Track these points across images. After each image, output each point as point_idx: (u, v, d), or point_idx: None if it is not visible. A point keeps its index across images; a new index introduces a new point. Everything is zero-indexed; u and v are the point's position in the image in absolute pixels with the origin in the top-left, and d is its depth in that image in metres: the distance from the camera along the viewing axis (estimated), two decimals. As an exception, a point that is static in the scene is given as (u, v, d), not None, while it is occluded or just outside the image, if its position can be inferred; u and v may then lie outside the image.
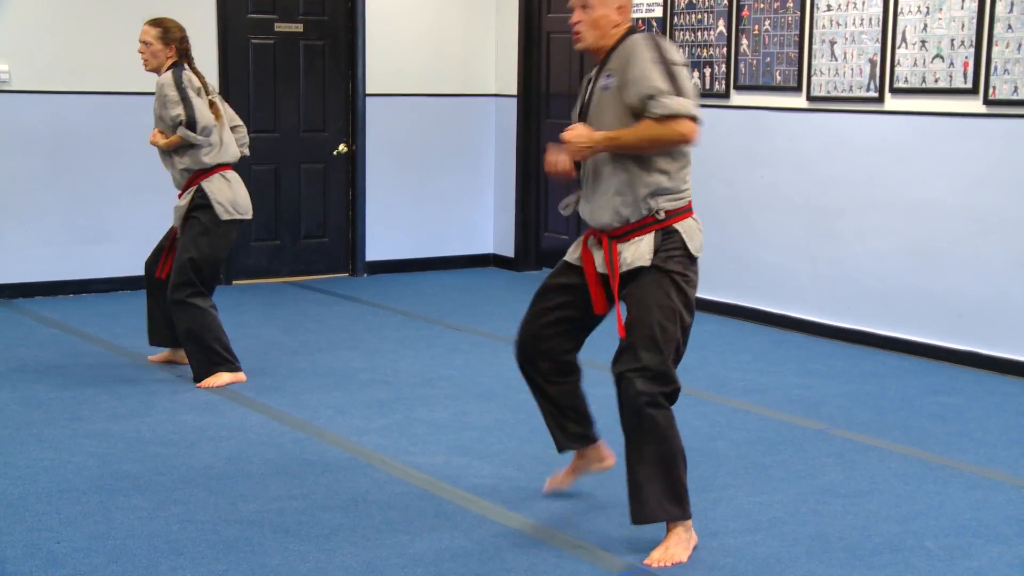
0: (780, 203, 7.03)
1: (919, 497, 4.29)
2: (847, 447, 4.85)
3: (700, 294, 7.46)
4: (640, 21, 7.71)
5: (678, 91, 3.51)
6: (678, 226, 3.64)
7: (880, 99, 6.45)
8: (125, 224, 7.73)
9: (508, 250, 9.02)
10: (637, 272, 3.63)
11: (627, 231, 3.65)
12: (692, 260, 3.67)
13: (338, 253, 8.61)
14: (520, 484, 4.36)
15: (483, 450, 4.73)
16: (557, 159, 3.75)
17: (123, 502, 4.10)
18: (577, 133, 3.64)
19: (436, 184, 8.83)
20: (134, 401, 5.32)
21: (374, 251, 8.64)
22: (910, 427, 5.14)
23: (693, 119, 3.52)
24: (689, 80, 3.57)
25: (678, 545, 3.68)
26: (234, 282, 8.15)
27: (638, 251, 3.62)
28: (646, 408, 3.60)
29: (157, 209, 7.82)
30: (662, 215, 3.62)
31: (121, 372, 5.82)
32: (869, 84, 6.48)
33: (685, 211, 3.67)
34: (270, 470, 4.45)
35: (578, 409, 4.04)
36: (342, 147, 8.50)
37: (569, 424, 4.03)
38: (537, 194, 8.89)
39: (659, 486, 3.63)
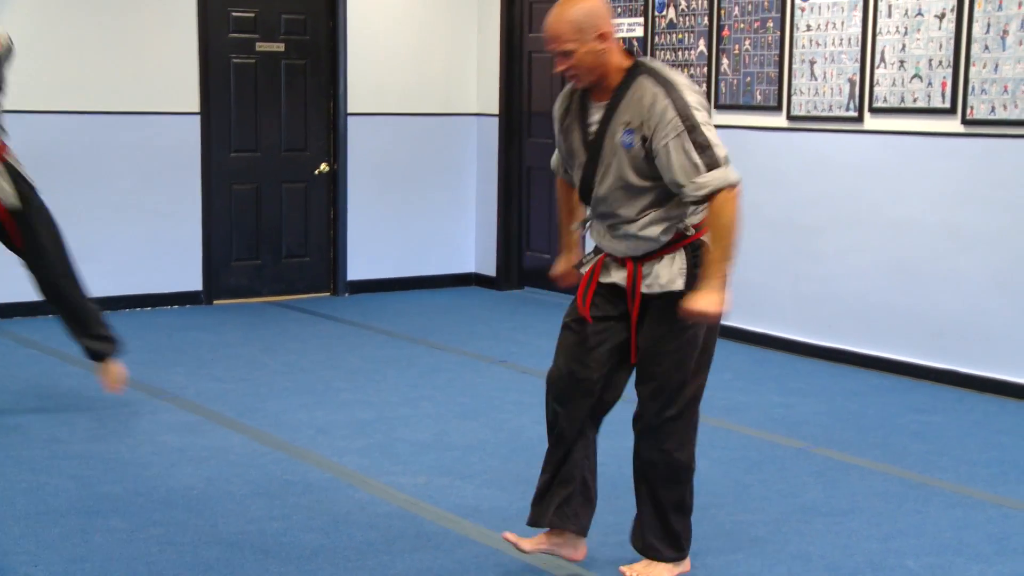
0: (761, 222, 7.05)
1: (900, 516, 4.29)
2: (828, 466, 4.85)
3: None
4: (621, 40, 7.74)
5: (709, 161, 3.31)
6: (707, 238, 3.45)
7: (859, 119, 6.49)
8: (105, 244, 7.70)
9: (490, 269, 9.02)
10: (666, 296, 3.45)
11: (655, 254, 3.47)
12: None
13: (320, 272, 8.60)
14: (502, 504, 4.35)
15: (464, 470, 4.71)
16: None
17: (102, 524, 4.07)
18: (709, 303, 3.36)
19: (418, 203, 8.83)
20: (113, 422, 5.29)
21: (356, 270, 8.63)
22: (890, 445, 5.15)
23: (732, 186, 3.34)
24: (713, 131, 3.35)
25: (665, 572, 3.67)
26: (215, 302, 8.13)
27: (671, 273, 3.44)
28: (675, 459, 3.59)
29: (136, 229, 7.81)
30: (691, 231, 3.46)
31: (100, 392, 5.78)
32: (848, 104, 6.52)
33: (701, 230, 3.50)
34: (250, 491, 4.43)
35: (589, 485, 3.73)
36: (324, 166, 8.50)
37: (576, 502, 3.70)
38: (519, 213, 8.89)
39: (674, 528, 3.66)
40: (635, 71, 3.40)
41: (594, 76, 3.42)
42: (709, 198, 3.34)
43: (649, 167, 3.40)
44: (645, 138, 3.37)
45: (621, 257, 3.53)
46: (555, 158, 3.76)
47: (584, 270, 3.64)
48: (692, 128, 3.31)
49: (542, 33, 3.48)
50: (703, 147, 3.31)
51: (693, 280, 3.42)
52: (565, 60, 3.40)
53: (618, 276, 3.54)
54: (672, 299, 3.44)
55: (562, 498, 3.66)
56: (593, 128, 3.48)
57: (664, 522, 3.67)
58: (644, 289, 3.47)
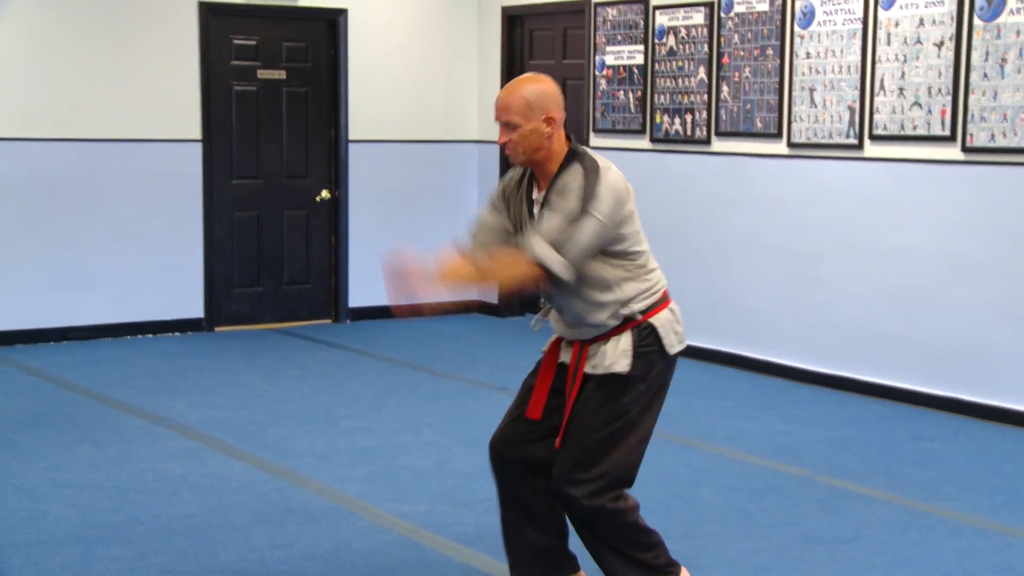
0: (761, 249, 7.06)
1: (903, 545, 4.28)
2: (831, 494, 4.84)
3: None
4: (622, 68, 7.78)
5: (557, 241, 3.27)
6: (655, 320, 3.42)
7: (859, 146, 6.51)
8: (106, 271, 7.71)
9: (492, 297, 9.03)
10: (607, 377, 3.41)
11: (603, 337, 3.44)
12: (664, 358, 3.45)
13: (321, 299, 8.60)
14: (504, 532, 4.33)
15: (466, 498, 4.70)
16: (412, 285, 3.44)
17: (103, 552, 4.06)
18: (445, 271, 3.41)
19: (419, 229, 8.84)
20: (114, 449, 5.29)
21: (357, 297, 8.64)
22: (893, 473, 5.14)
23: (542, 269, 3.28)
24: (594, 232, 3.28)
25: None
26: (216, 328, 8.13)
27: (615, 354, 3.40)
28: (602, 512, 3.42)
29: (138, 256, 7.82)
30: (639, 316, 3.41)
31: (101, 420, 5.79)
32: (849, 131, 6.54)
33: (661, 303, 3.46)
34: (252, 519, 4.42)
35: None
36: (325, 193, 8.52)
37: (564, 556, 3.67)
38: (520, 240, 8.89)
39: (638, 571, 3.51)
40: (571, 157, 3.39)
41: (532, 156, 3.39)
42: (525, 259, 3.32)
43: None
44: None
45: (571, 340, 3.52)
46: (475, 227, 3.64)
47: (536, 327, 3.70)
48: (584, 211, 3.28)
49: (494, 103, 3.44)
50: (569, 236, 3.28)
51: (638, 360, 3.40)
52: (508, 132, 3.37)
53: (566, 356, 3.54)
54: (612, 379, 3.42)
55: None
56: (536, 211, 3.45)
57: (627, 557, 3.52)
58: (588, 369, 3.46)
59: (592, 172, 3.33)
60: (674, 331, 3.47)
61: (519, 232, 3.50)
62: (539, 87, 3.38)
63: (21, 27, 7.35)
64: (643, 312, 3.43)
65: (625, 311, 3.42)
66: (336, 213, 8.55)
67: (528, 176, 3.51)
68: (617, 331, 3.43)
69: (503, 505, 3.63)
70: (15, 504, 4.54)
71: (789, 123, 6.83)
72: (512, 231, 3.53)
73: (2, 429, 5.58)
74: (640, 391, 3.42)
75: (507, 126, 3.37)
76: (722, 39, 7.16)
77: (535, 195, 3.48)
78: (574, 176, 3.33)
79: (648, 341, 3.42)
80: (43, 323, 7.56)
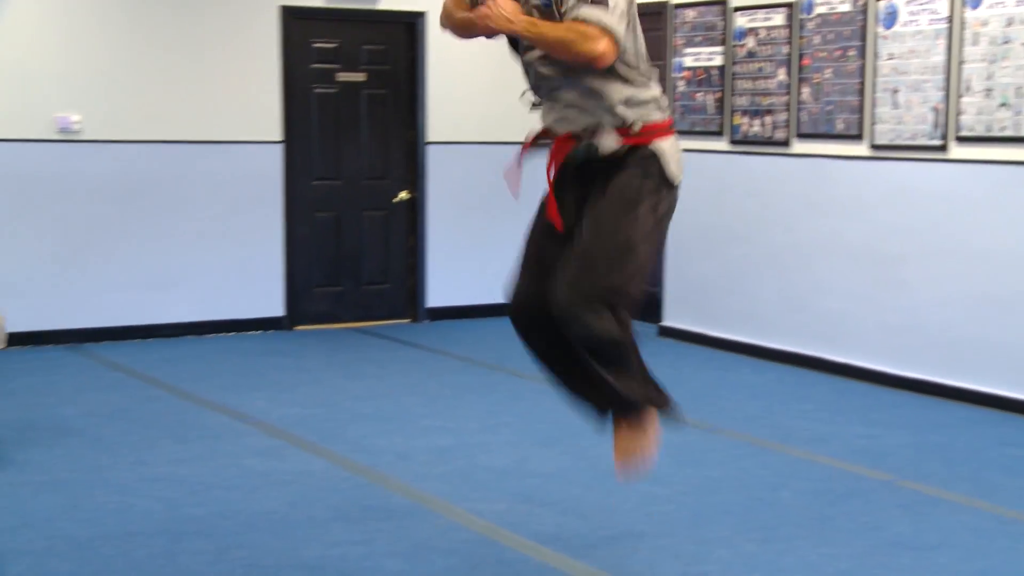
0: (842, 251, 6.98)
1: (991, 552, 4.20)
2: (915, 499, 4.77)
3: (761, 342, 7.48)
4: (700, 70, 7.73)
5: (607, 6, 3.20)
6: (661, 144, 3.38)
7: (944, 147, 6.40)
8: (190, 271, 7.84)
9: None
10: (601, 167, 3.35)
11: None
12: (670, 187, 3.40)
13: (400, 299, 8.66)
14: (583, 532, 4.33)
15: (545, 497, 4.71)
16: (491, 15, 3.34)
17: (188, 546, 4.13)
18: (502, 5, 3.30)
19: (497, 230, 8.86)
20: (198, 445, 5.37)
21: (435, 297, 8.68)
22: (980, 480, 5.04)
23: (613, 39, 3.21)
24: (624, 15, 3.27)
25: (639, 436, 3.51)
26: (296, 328, 8.23)
27: (605, 141, 3.35)
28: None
29: (220, 255, 7.94)
30: (638, 126, 3.37)
31: (185, 416, 5.89)
32: (933, 132, 6.44)
33: (668, 128, 3.41)
34: (332, 515, 4.46)
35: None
36: (403, 194, 8.58)
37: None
38: (597, 241, 8.88)
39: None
40: None
41: None
42: (589, 30, 3.22)
43: None
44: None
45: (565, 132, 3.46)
46: None
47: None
48: None
49: None
50: (614, 14, 3.24)
51: (644, 167, 3.36)
52: None
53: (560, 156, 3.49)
54: (625, 185, 3.35)
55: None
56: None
57: (613, 390, 3.43)
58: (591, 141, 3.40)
59: None
60: (677, 157, 3.43)
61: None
62: None
63: (110, 35, 7.50)
64: (645, 129, 3.37)
65: (624, 112, 3.35)
66: (415, 213, 8.61)
67: None
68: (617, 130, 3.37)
69: (547, 365, 3.62)
70: (103, 497, 4.63)
71: (872, 125, 6.73)
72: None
73: (91, 424, 5.70)
74: (652, 202, 3.35)
75: None
76: (803, 40, 7.08)
77: None
78: None
79: (647, 166, 3.36)
80: (129, 321, 7.71)
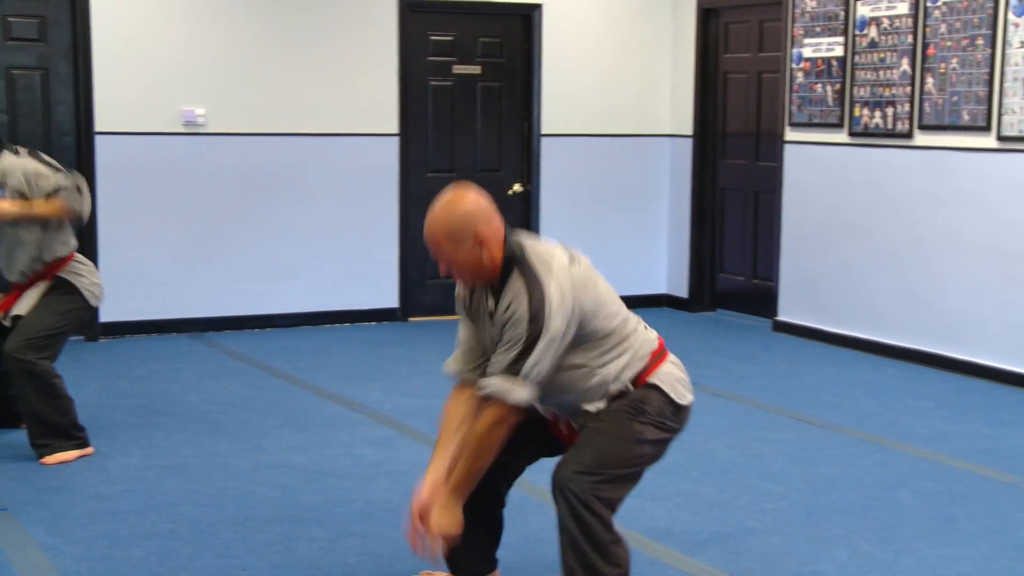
0: (964, 246, 6.79)
1: (1119, 558, 4.06)
2: (1039, 502, 4.63)
3: (878, 337, 7.34)
4: (820, 60, 7.60)
5: (523, 374, 3.18)
6: (654, 379, 3.36)
7: (1075, 138, 6.19)
8: (307, 261, 7.99)
9: (682, 291, 8.96)
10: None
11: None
12: (678, 409, 3.39)
13: (512, 291, 8.68)
14: (694, 527, 4.31)
15: (656, 492, 4.69)
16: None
17: (304, 532, 4.21)
18: (447, 523, 3.27)
19: (610, 224, 8.85)
20: (313, 434, 5.47)
21: (547, 290, 8.68)
22: (1108, 483, 4.88)
23: (509, 405, 3.19)
24: (551, 352, 3.20)
25: None
26: (411, 319, 8.32)
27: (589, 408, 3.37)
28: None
29: (337, 247, 8.07)
30: (631, 387, 3.35)
31: (302, 405, 6.00)
32: (1063, 123, 6.23)
33: (655, 361, 3.39)
34: (445, 506, 4.50)
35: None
36: (517, 186, 8.61)
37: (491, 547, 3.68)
38: (712, 234, 8.81)
39: None
40: (508, 266, 3.27)
41: (477, 277, 3.31)
42: (487, 398, 3.23)
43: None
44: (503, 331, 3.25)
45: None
46: (454, 360, 3.54)
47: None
48: (536, 339, 3.18)
49: (424, 232, 3.31)
50: (532, 363, 3.19)
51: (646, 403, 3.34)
52: (445, 265, 3.31)
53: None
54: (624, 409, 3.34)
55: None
56: (482, 313, 3.38)
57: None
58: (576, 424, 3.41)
59: (534, 287, 3.19)
60: (680, 384, 3.40)
61: (488, 341, 3.39)
62: (461, 210, 3.24)
63: (233, 31, 7.68)
64: (636, 381, 3.35)
65: (614, 387, 3.34)
66: (528, 206, 8.63)
67: (480, 287, 3.38)
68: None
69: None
70: (223, 483, 4.75)
71: (999, 116, 6.54)
72: (479, 342, 3.44)
73: (212, 411, 5.85)
74: (651, 422, 3.32)
75: (441, 259, 3.28)
76: (928, 29, 6.91)
77: (490, 306, 3.34)
78: (518, 298, 3.20)
79: (652, 400, 3.34)
80: (249, 310, 7.89)
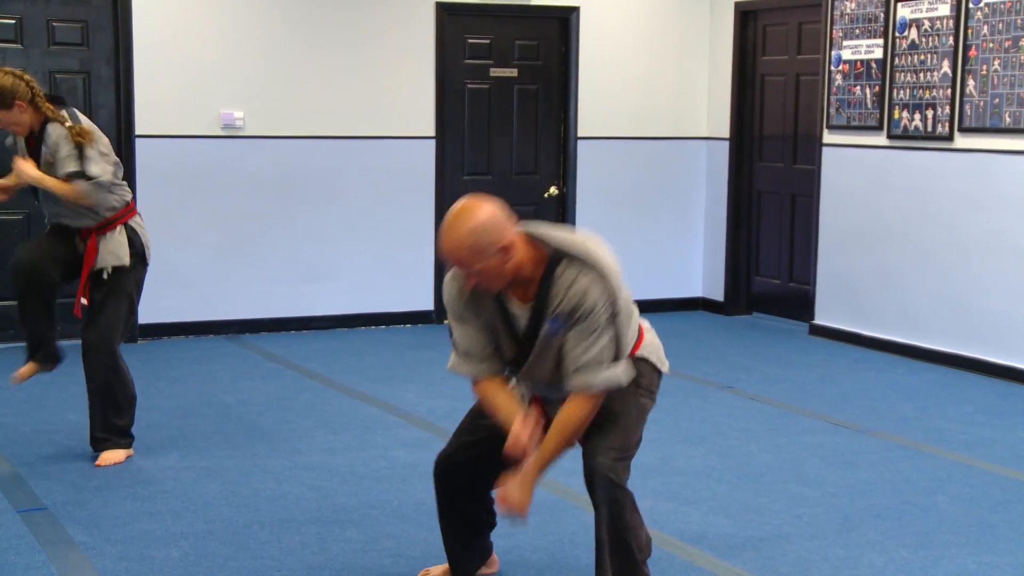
0: (1006, 250, 6.72)
1: None
2: (1080, 509, 4.57)
3: (916, 342, 7.27)
4: (859, 63, 7.55)
5: (612, 356, 3.27)
6: (642, 352, 3.50)
7: (1118, 141, 6.11)
8: (343, 263, 8.02)
9: (718, 294, 8.92)
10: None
11: None
12: (660, 376, 3.59)
13: (547, 294, 8.67)
14: (729, 531, 4.29)
15: (690, 496, 4.67)
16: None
17: (339, 534, 4.23)
18: (520, 501, 3.37)
19: (645, 226, 8.82)
20: (348, 436, 5.49)
21: (583, 293, 8.67)
22: None
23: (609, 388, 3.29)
24: (626, 327, 3.33)
25: None
26: (444, 322, 8.30)
27: None
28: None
29: (373, 249, 8.10)
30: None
31: (337, 407, 6.02)
32: (1106, 125, 6.15)
33: (640, 333, 3.51)
34: (479, 508, 4.50)
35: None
36: (553, 189, 8.60)
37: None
38: (748, 237, 8.77)
39: None
40: (555, 260, 3.26)
41: (507, 280, 3.26)
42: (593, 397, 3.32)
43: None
44: (571, 324, 3.26)
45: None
46: (460, 361, 3.48)
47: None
48: (614, 319, 3.26)
49: (441, 248, 3.25)
50: (619, 346, 3.30)
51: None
52: (472, 277, 3.23)
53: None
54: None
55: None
56: (522, 323, 3.34)
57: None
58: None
59: (596, 271, 3.23)
60: (660, 350, 3.60)
61: (500, 340, 3.39)
62: (478, 224, 3.15)
63: (271, 34, 7.72)
64: (633, 354, 3.48)
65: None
66: (564, 209, 8.63)
67: (480, 292, 3.34)
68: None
69: (443, 516, 3.71)
70: (259, 484, 4.78)
71: (1040, 117, 6.47)
72: (488, 339, 3.41)
73: (249, 412, 5.88)
74: (647, 395, 3.52)
75: (467, 273, 3.22)
76: (969, 31, 6.84)
77: (515, 308, 3.32)
78: (588, 289, 3.22)
79: (642, 372, 3.49)
80: (286, 312, 7.93)
